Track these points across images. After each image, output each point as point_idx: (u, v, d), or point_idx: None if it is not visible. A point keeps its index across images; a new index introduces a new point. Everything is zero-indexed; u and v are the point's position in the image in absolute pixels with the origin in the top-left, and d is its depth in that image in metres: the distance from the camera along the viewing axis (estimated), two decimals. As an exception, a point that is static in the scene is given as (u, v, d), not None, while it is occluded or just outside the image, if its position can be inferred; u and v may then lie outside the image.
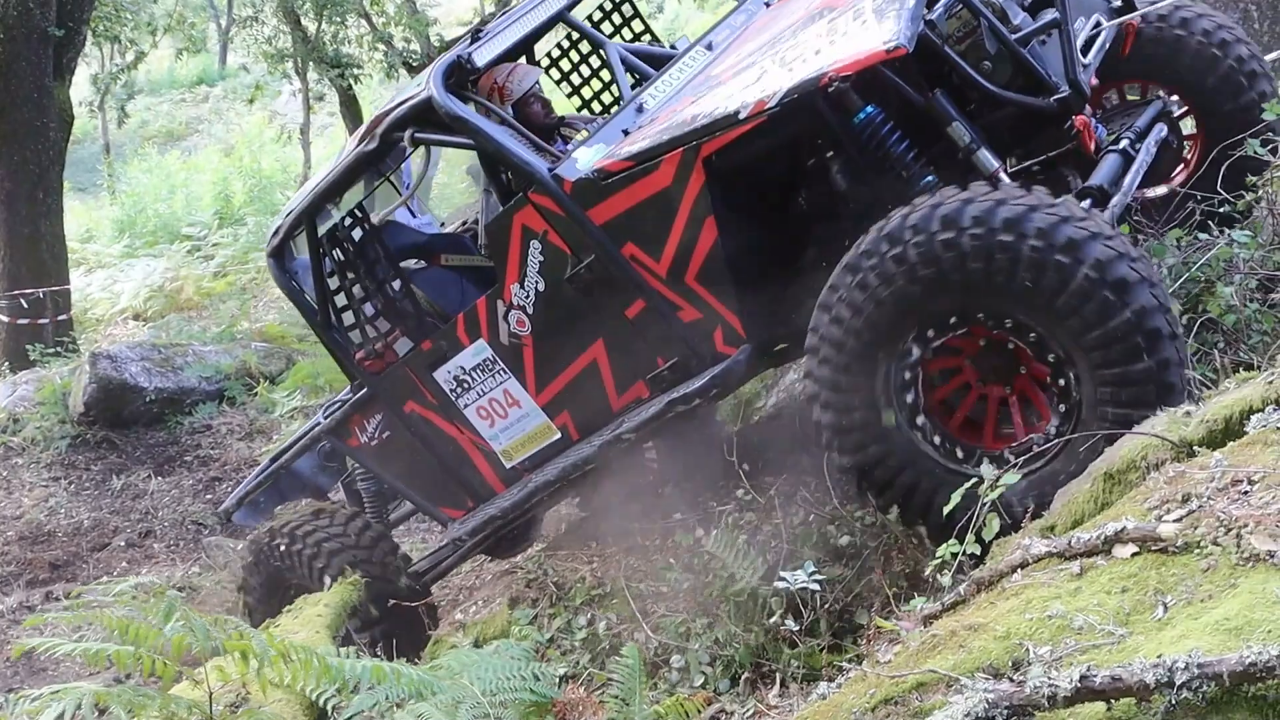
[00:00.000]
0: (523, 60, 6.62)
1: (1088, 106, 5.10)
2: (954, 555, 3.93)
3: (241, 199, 22.43)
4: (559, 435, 5.91)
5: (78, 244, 20.74)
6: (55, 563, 10.19)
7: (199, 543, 10.47)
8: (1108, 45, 5.44)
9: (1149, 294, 4.05)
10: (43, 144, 15.39)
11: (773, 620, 4.87)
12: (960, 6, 5.05)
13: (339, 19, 17.73)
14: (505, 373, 5.87)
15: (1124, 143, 5.11)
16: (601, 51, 6.82)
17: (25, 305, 15.08)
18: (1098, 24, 5.47)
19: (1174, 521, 2.96)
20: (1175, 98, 5.84)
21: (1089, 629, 2.74)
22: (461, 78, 5.74)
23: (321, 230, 6.21)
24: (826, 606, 4.92)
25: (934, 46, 4.78)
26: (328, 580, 6.57)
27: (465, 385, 6.03)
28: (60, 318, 15.46)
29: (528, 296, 5.61)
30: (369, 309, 6.19)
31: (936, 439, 4.49)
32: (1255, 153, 5.50)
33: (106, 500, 11.39)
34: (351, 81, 18.04)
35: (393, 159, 6.33)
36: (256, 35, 19.66)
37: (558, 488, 6.02)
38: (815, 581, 4.50)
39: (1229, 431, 3.50)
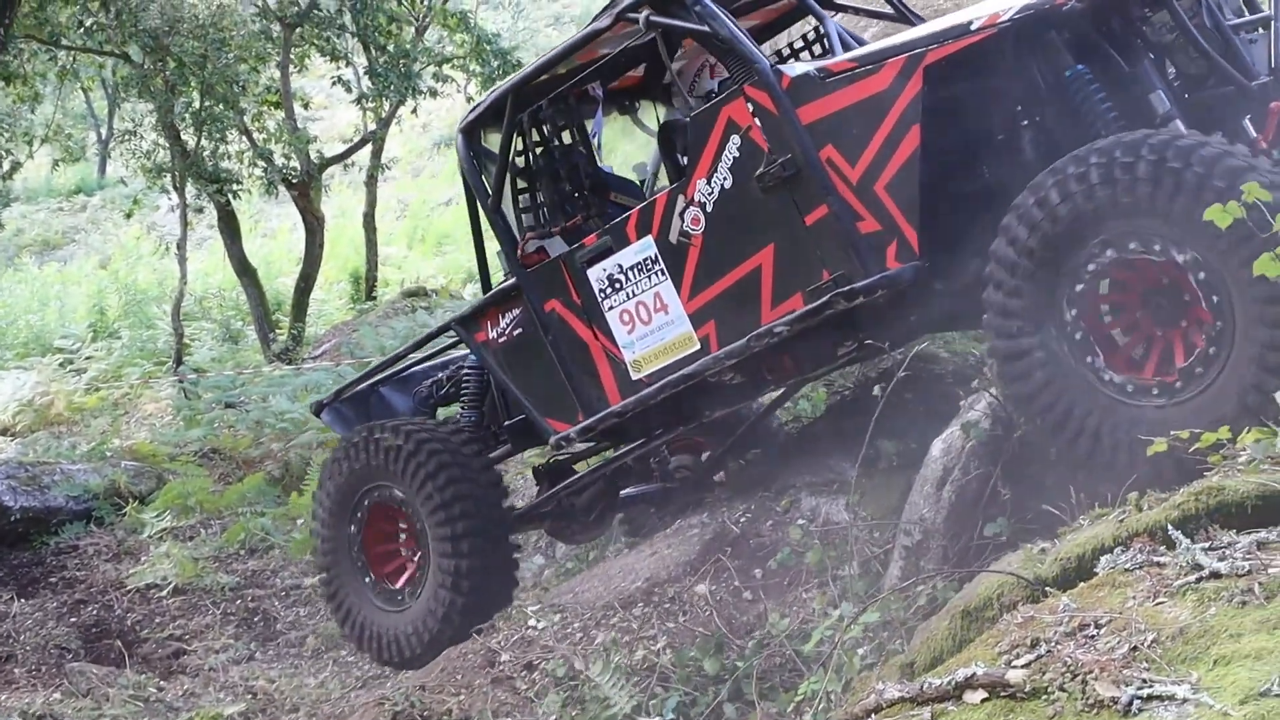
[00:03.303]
0: None
1: None
2: (814, 693, 3.96)
3: (116, 312, 22.08)
4: (698, 346, 5.89)
5: (-54, 355, 20.27)
6: (-92, 690, 9.80)
7: (61, 668, 10.12)
8: None
9: None
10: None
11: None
12: None
13: (219, 134, 17.65)
14: (663, 273, 5.91)
15: None
16: (820, 25, 6.82)
17: (-114, 420, 14.72)
18: None
19: (1023, 667, 3.00)
20: None
21: (940, 777, 2.77)
22: None
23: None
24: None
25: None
26: (427, 489, 6.59)
27: (617, 285, 6.08)
28: (-76, 433, 15.08)
29: (711, 193, 5.69)
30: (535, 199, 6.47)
31: (1100, 368, 4.58)
32: None
33: (-34, 624, 11.02)
34: (230, 197, 17.93)
35: (586, 108, 6.60)
36: (135, 149, 19.48)
37: (680, 388, 5.99)
38: (676, 725, 4.48)
39: (1081, 570, 3.57)
